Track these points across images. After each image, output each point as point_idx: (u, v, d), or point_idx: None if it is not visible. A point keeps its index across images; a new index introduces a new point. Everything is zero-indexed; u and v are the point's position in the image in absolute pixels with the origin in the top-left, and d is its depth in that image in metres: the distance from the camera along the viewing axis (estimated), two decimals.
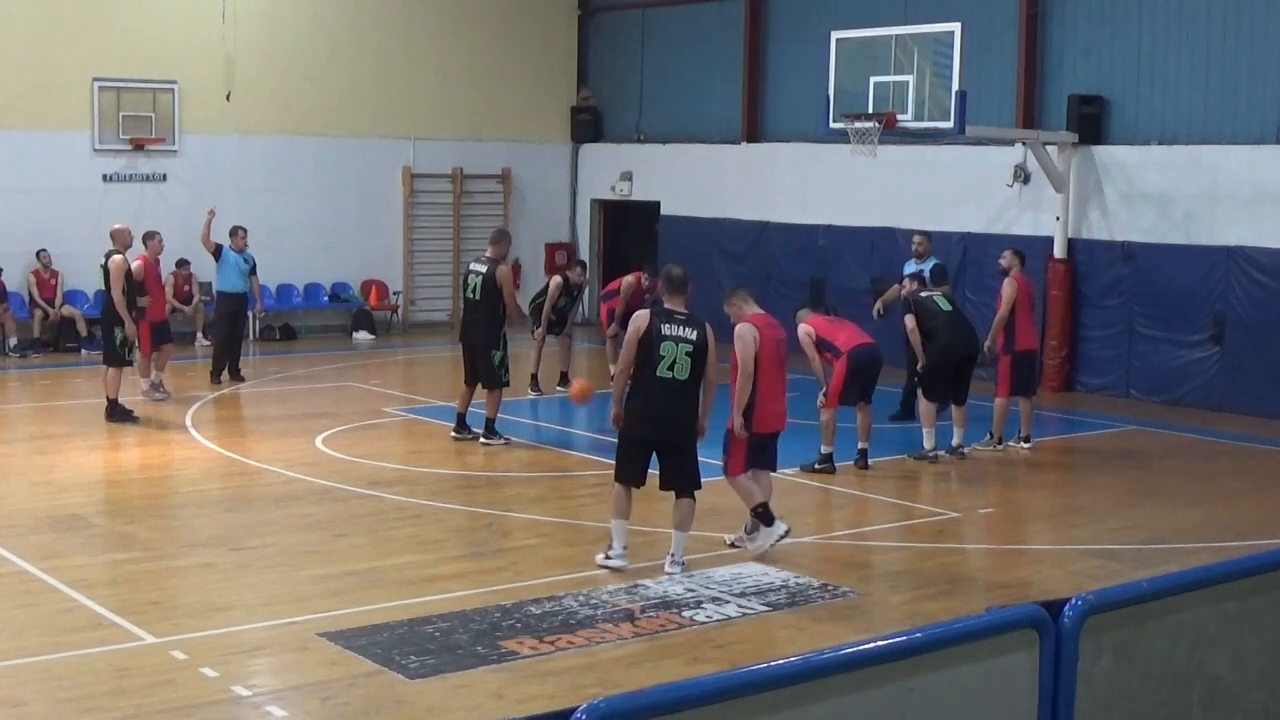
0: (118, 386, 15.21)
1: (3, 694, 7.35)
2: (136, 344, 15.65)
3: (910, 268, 16.05)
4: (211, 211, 18.16)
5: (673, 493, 9.84)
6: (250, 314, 19.96)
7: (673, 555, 9.82)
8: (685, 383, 9.47)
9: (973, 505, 12.25)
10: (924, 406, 13.80)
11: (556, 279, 17.40)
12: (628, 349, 9.64)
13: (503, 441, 14.06)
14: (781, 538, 10.20)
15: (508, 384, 14.24)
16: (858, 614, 9.07)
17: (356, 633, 8.35)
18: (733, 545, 10.42)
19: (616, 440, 10.06)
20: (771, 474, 10.57)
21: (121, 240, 15.52)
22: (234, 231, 18.05)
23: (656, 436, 9.66)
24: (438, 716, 7.22)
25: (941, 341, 13.88)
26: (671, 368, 9.43)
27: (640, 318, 9.68)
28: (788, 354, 10.53)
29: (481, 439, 14.08)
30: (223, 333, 17.96)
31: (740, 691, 3.14)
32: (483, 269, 13.98)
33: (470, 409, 14.29)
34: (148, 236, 16.96)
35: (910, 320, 14.07)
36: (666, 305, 9.79)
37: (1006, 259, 14.81)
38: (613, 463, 10.11)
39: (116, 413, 15.09)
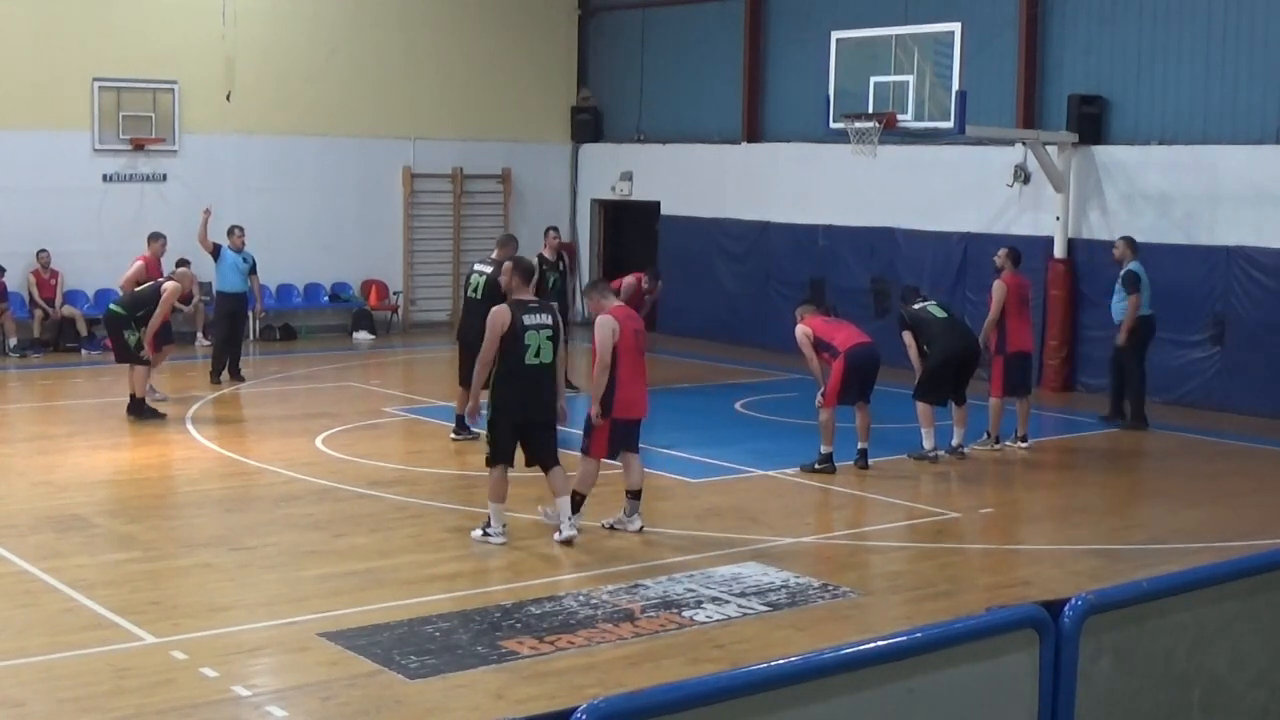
0: (144, 384, 15.23)
1: (3, 694, 7.35)
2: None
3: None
4: (208, 211, 18.17)
5: (542, 470, 10.51)
6: (250, 313, 19.95)
7: (549, 515, 10.60)
8: (550, 366, 10.26)
9: (973, 505, 12.24)
10: (922, 408, 13.81)
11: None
12: (490, 345, 10.22)
13: (472, 437, 13.95)
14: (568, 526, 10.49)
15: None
16: (858, 614, 9.07)
17: (356, 633, 8.35)
18: (611, 528, 10.82)
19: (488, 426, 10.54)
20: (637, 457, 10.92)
21: (186, 281, 15.95)
22: (231, 231, 18.07)
23: (531, 419, 10.33)
24: (438, 716, 7.22)
25: (940, 348, 13.89)
26: (538, 354, 10.15)
27: (501, 313, 10.27)
28: (646, 345, 10.95)
29: (452, 436, 14.12)
30: (222, 332, 17.97)
31: (740, 691, 3.14)
32: (488, 270, 13.95)
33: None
34: (152, 238, 16.93)
35: (908, 336, 14.03)
36: (517, 297, 10.41)
37: (1000, 258, 14.82)
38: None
39: (143, 411, 15.11)
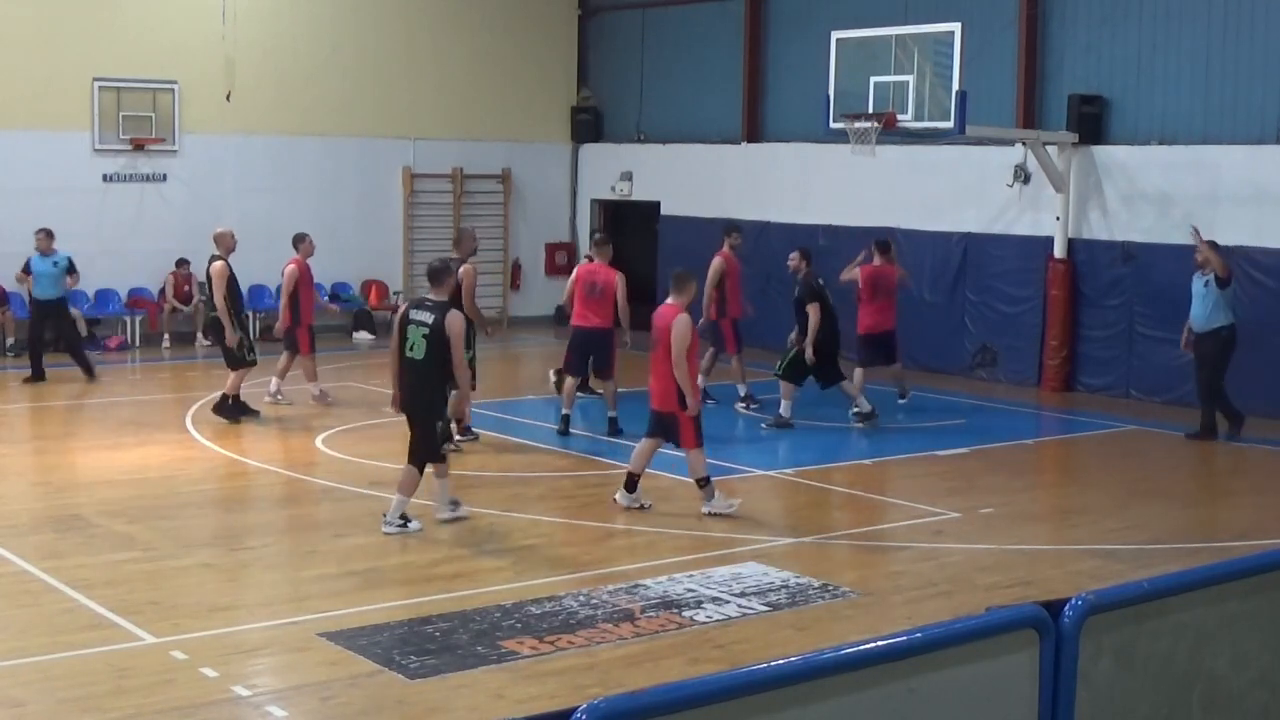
0: (238, 385, 15.19)
1: (3, 694, 7.35)
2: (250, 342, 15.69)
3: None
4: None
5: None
6: (72, 314, 18.93)
7: (386, 516, 10.76)
8: (420, 362, 10.63)
9: (973, 505, 12.24)
10: (788, 387, 15.24)
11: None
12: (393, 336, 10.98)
13: (472, 438, 14.03)
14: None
15: (473, 387, 13.96)
16: (858, 614, 9.07)
17: (356, 633, 8.35)
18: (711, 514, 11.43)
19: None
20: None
21: (225, 245, 15.42)
22: (40, 233, 17.83)
23: (406, 410, 10.89)
24: (438, 716, 7.23)
25: (827, 328, 15.14)
26: (411, 349, 10.65)
27: (402, 308, 11.05)
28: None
29: (456, 437, 13.86)
30: (37, 333, 17.72)
31: (740, 691, 3.14)
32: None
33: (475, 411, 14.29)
34: (299, 239, 16.75)
35: (815, 310, 15.06)
36: (424, 294, 11.09)
37: (794, 260, 15.68)
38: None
39: (238, 409, 15.09)
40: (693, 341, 11.17)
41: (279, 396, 16.32)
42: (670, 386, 11.19)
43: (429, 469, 10.91)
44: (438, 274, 10.97)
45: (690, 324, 11.13)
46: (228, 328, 15.14)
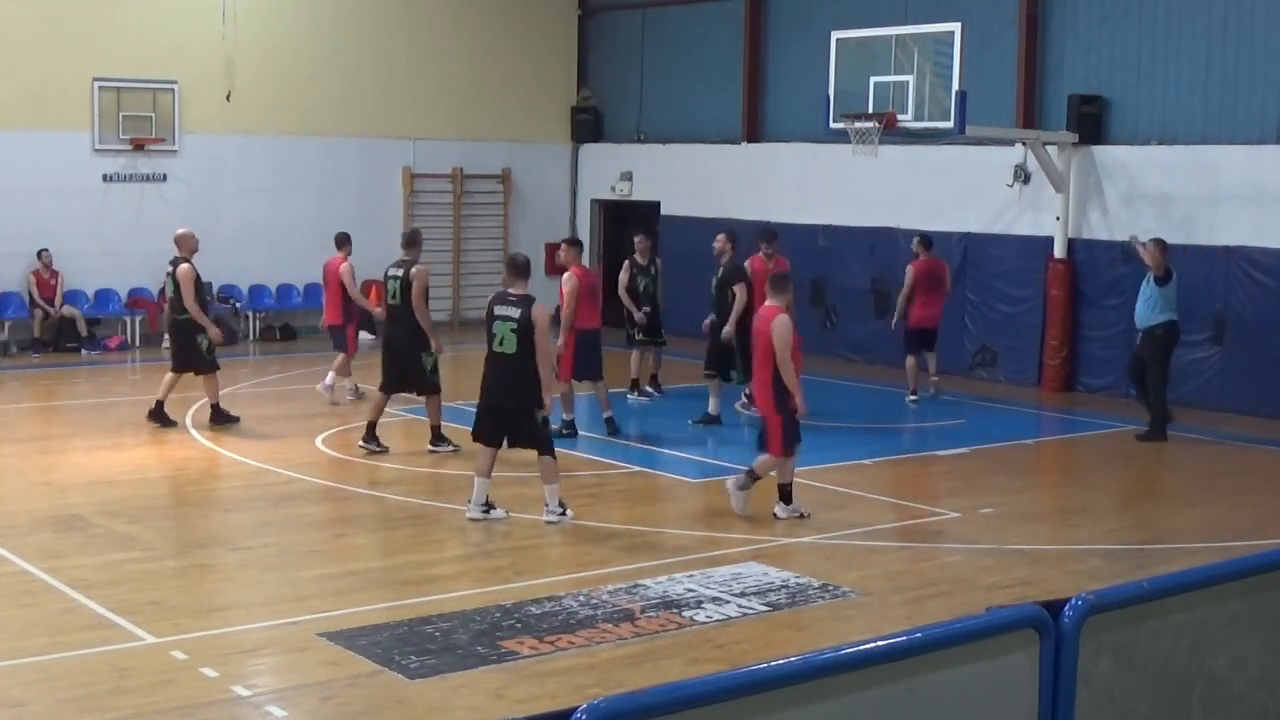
0: (216, 390, 14.94)
1: (3, 694, 7.35)
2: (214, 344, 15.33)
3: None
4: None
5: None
6: None
7: (548, 505, 11.03)
8: (511, 356, 10.73)
9: (973, 505, 12.24)
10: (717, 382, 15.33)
11: (625, 265, 16.81)
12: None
13: (451, 449, 13.63)
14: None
15: (439, 389, 13.78)
16: (858, 614, 9.07)
17: (356, 633, 8.35)
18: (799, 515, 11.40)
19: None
20: None
21: (188, 246, 15.05)
22: None
23: (497, 403, 10.93)
24: (438, 716, 7.22)
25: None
26: (501, 344, 10.72)
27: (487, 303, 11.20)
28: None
29: (429, 446, 13.73)
30: None
31: (740, 691, 3.14)
32: (399, 272, 13.53)
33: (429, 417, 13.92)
34: (343, 241, 16.66)
35: (743, 290, 15.00)
36: (505, 289, 11.07)
37: (563, 251, 15.25)
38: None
39: (220, 417, 14.89)
40: (794, 341, 11.11)
41: (358, 390, 16.61)
42: (766, 391, 11.16)
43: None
44: (521, 268, 10.99)
45: (790, 324, 11.08)
46: (209, 328, 15.00)
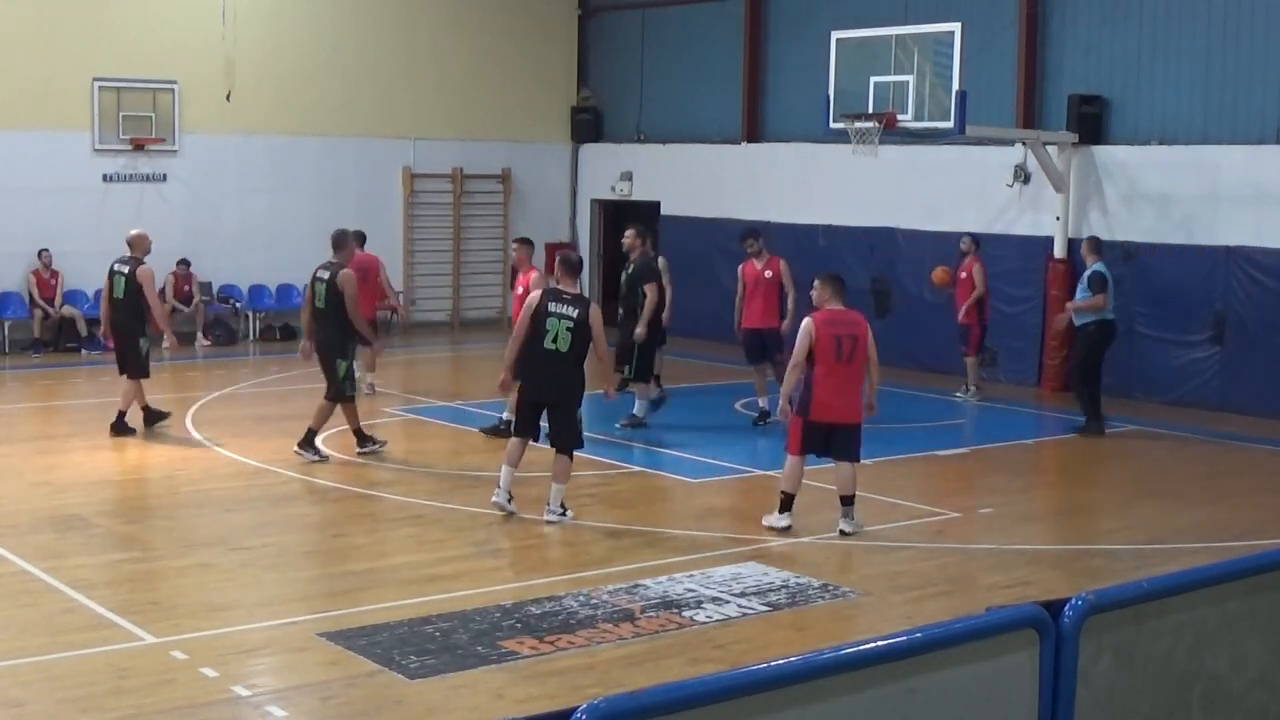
0: (137, 397, 14.58)
1: (3, 694, 7.35)
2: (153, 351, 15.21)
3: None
4: None
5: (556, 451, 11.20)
6: None
7: (549, 505, 11.09)
8: (565, 353, 10.89)
9: (973, 505, 12.24)
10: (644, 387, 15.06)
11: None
12: (521, 323, 11.14)
13: (377, 446, 13.54)
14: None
15: (352, 397, 13.51)
16: (858, 614, 9.07)
17: (356, 633, 8.35)
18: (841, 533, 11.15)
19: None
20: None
21: (143, 248, 14.71)
22: None
23: (544, 397, 11.07)
24: (438, 716, 7.22)
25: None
26: (554, 340, 10.85)
27: (534, 297, 11.18)
28: (859, 349, 11.14)
29: (356, 450, 13.50)
30: None
31: (740, 691, 3.14)
32: (326, 275, 13.21)
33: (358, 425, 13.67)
34: (360, 238, 16.44)
35: (654, 290, 14.77)
36: (557, 286, 11.18)
37: (515, 248, 14.99)
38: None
39: (151, 418, 14.66)
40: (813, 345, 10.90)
41: (373, 387, 16.73)
42: (860, 400, 11.03)
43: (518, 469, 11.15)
44: (575, 267, 11.22)
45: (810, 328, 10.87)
46: (168, 332, 14.93)
